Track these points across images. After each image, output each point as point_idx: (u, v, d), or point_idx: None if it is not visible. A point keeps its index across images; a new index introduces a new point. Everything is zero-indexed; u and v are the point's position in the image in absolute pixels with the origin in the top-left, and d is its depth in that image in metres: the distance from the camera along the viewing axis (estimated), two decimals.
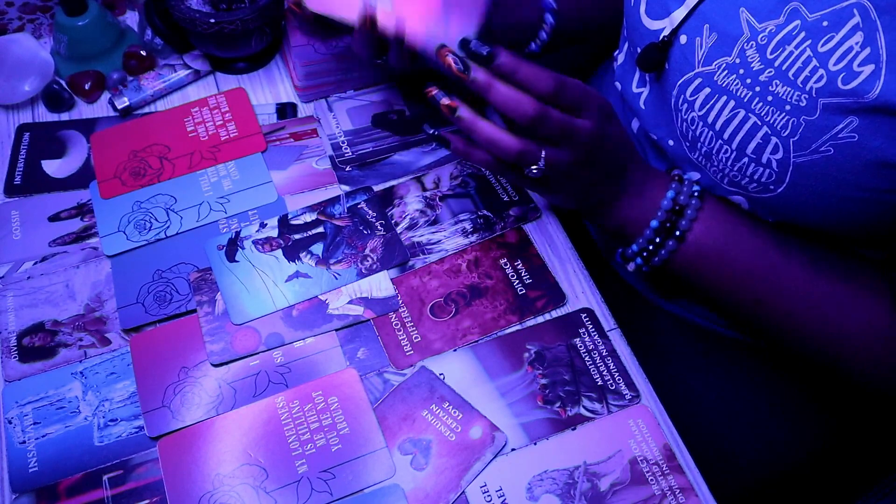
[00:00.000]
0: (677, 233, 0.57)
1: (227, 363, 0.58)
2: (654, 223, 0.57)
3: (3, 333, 0.59)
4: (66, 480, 0.53)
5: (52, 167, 0.69)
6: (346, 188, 0.68)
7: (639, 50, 0.60)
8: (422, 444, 0.54)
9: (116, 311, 0.60)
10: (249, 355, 0.58)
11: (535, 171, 0.54)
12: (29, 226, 0.65)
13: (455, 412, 0.56)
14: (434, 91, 0.54)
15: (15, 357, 0.58)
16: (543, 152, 0.54)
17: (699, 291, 0.61)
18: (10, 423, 0.55)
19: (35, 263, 0.63)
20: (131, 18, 0.80)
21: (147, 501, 0.52)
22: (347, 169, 0.69)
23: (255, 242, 0.63)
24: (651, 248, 0.58)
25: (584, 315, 0.61)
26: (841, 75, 0.47)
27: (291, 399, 0.56)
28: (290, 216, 0.65)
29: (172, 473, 0.53)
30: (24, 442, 0.54)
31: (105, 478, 0.53)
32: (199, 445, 0.54)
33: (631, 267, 0.60)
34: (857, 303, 0.56)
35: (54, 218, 0.66)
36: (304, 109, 0.74)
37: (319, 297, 0.61)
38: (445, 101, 0.53)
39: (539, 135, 0.53)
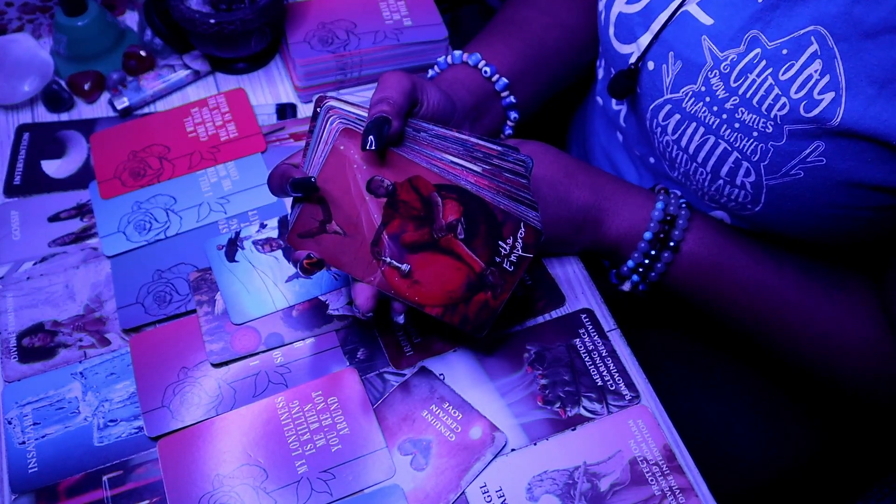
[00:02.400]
0: (671, 244, 0.57)
1: (226, 363, 0.58)
2: (647, 235, 0.58)
3: (3, 334, 0.59)
4: (66, 481, 0.53)
5: (52, 167, 0.69)
6: None
7: (612, 71, 0.60)
8: (422, 445, 0.54)
9: (116, 311, 0.60)
10: (249, 355, 0.58)
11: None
12: (29, 226, 0.65)
13: (455, 412, 0.56)
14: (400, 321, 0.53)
15: (15, 357, 0.58)
16: None
17: (695, 306, 0.61)
18: (9, 423, 0.55)
19: (35, 264, 0.63)
20: (131, 18, 0.80)
21: (147, 502, 0.52)
22: None
23: (255, 243, 0.63)
24: (647, 262, 0.58)
25: (583, 315, 0.61)
26: (803, 103, 0.48)
27: (291, 399, 0.56)
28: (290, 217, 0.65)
29: (172, 474, 0.53)
30: (24, 442, 0.54)
31: (105, 478, 0.53)
32: (199, 446, 0.54)
33: (627, 286, 0.61)
34: (851, 315, 0.56)
35: (54, 218, 0.66)
36: (304, 110, 0.74)
37: (319, 297, 0.61)
38: (400, 319, 0.52)
39: None
